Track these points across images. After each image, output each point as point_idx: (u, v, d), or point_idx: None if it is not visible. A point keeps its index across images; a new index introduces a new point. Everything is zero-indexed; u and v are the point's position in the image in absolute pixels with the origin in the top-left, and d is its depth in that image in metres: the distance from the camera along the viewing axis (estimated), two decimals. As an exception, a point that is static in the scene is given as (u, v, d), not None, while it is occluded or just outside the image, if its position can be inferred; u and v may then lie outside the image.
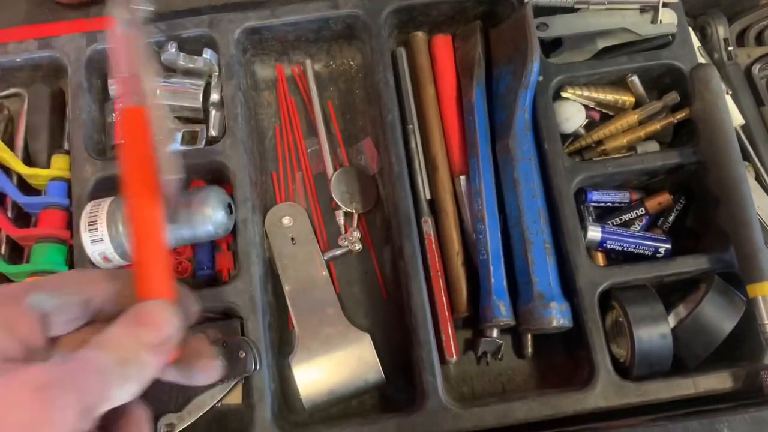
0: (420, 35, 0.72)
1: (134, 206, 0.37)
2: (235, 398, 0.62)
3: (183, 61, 0.68)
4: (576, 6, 0.68)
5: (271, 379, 0.60)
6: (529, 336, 0.65)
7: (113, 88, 0.70)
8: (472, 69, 0.69)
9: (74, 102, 0.67)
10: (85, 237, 0.60)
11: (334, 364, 0.62)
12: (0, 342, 0.32)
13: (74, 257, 0.63)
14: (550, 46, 0.71)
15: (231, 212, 0.63)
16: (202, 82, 0.70)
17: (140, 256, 0.36)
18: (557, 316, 0.60)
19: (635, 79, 0.69)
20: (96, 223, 0.61)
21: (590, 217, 0.68)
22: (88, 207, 0.62)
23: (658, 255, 0.65)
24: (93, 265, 0.62)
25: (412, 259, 0.63)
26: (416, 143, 0.69)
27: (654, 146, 0.69)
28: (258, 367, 0.58)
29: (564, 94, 0.69)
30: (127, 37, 0.37)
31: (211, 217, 0.61)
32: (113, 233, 0.60)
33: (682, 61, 0.68)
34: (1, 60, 0.69)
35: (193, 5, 0.75)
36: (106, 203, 0.62)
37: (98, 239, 0.60)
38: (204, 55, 0.68)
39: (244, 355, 0.57)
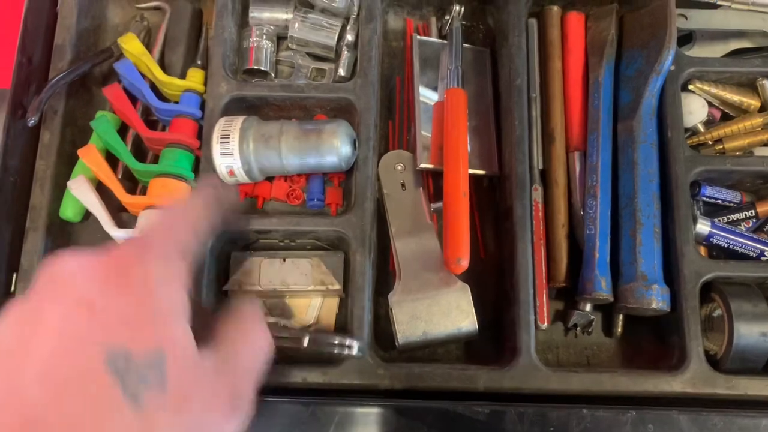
0: (555, 9, 0.73)
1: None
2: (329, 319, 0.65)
3: (326, -1, 0.70)
4: (718, 2, 0.69)
5: (369, 311, 0.63)
6: (621, 316, 0.66)
7: (253, 15, 0.72)
8: (604, 48, 0.70)
9: (218, 20, 0.69)
10: (216, 149, 0.63)
11: (430, 308, 0.63)
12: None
13: (200, 167, 0.65)
14: (681, 39, 0.72)
15: (355, 148, 0.65)
16: (339, 22, 0.72)
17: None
18: (657, 298, 0.61)
19: (766, 83, 0.69)
20: (228, 138, 0.63)
21: (699, 211, 0.68)
22: (222, 121, 0.64)
23: (762, 258, 0.66)
24: (217, 176, 0.64)
25: (522, 221, 0.64)
26: (537, 113, 0.70)
27: (772, 153, 0.69)
28: (362, 354, 0.60)
29: (691, 87, 0.70)
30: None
31: (338, 148, 0.63)
32: (243, 149, 0.63)
33: (817, 72, 0.68)
34: (151, -29, 0.71)
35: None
36: (239, 120, 0.64)
37: (228, 153, 0.63)
38: (348, -5, 0.70)
39: (347, 343, 0.59)
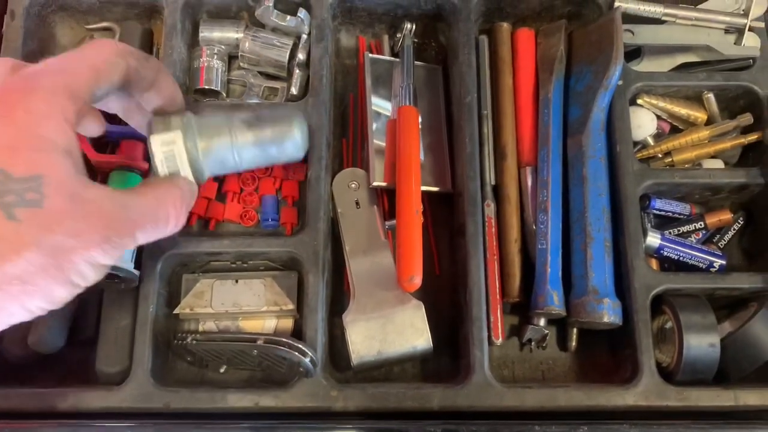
0: (505, 26, 0.74)
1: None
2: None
3: (275, 18, 0.70)
4: (663, 18, 0.70)
5: (323, 332, 0.62)
6: (575, 330, 0.67)
7: (203, 35, 0.72)
8: (553, 64, 0.70)
9: (167, 41, 0.69)
10: (153, 128, 0.52)
11: (385, 327, 0.63)
12: None
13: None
14: (630, 54, 0.73)
15: (308, 138, 0.59)
16: (290, 40, 0.71)
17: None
18: (609, 312, 0.62)
19: (711, 96, 0.70)
20: (168, 132, 0.51)
21: (650, 224, 0.69)
22: (156, 120, 0.53)
23: (711, 269, 0.67)
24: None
25: (474, 238, 0.64)
26: (488, 129, 0.71)
27: (719, 164, 0.70)
28: (313, 374, 0.60)
29: (639, 101, 0.71)
30: None
31: (296, 136, 0.56)
32: (189, 147, 0.52)
33: (761, 85, 0.69)
34: (101, -8, 0.71)
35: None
36: (177, 117, 0.53)
37: (165, 130, 0.52)
38: (298, 15, 0.69)
39: (299, 359, 0.59)
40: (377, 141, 0.70)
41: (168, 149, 0.51)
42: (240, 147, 0.54)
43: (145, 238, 0.46)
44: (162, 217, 0.48)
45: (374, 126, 0.70)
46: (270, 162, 0.58)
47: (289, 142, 0.56)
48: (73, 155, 0.42)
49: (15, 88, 0.42)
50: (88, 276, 0.41)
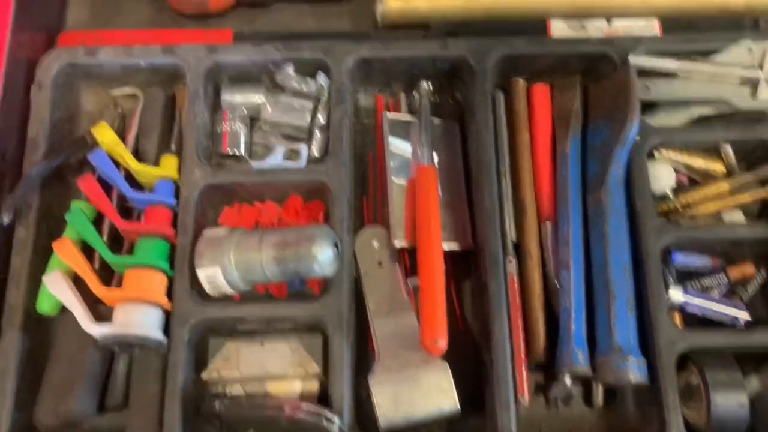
0: (521, 82, 0.75)
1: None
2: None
3: (296, 82, 0.71)
4: (678, 72, 0.71)
5: (350, 395, 0.63)
6: (601, 386, 0.67)
7: (225, 99, 0.73)
8: (569, 119, 0.71)
9: (190, 107, 0.70)
10: (198, 261, 0.64)
11: (411, 388, 0.63)
12: None
13: (176, 257, 0.66)
14: (645, 107, 0.73)
15: (338, 249, 0.65)
16: (310, 103, 0.73)
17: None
18: (634, 371, 0.62)
19: (729, 148, 0.70)
20: (211, 252, 0.64)
21: (672, 279, 0.69)
22: (204, 237, 0.66)
23: (735, 324, 0.67)
24: (199, 285, 0.65)
25: (497, 298, 0.65)
26: (507, 185, 0.71)
27: (740, 216, 0.70)
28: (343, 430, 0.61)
29: (657, 156, 0.71)
30: None
31: (318, 256, 0.63)
32: (225, 263, 0.64)
33: (778, 137, 0.70)
34: (125, 62, 0.73)
35: (307, 29, 0.79)
36: (220, 234, 0.66)
37: (208, 265, 0.64)
38: (318, 79, 0.71)
39: (327, 427, 0.59)
40: (398, 200, 0.70)
41: (211, 279, 0.64)
42: (268, 266, 0.64)
43: None
44: None
45: (394, 186, 0.71)
46: (301, 278, 0.66)
47: (315, 265, 0.63)
48: None
49: None
50: None
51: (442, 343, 0.61)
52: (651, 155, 0.71)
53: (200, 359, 0.66)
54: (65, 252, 0.64)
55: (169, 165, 0.70)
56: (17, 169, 0.69)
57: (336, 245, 0.64)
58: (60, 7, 0.81)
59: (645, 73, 0.71)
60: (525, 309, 0.67)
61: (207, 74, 0.72)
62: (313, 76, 0.73)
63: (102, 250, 0.65)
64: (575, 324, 0.65)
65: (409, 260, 0.71)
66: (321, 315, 0.64)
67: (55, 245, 0.65)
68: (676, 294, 0.66)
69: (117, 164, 0.69)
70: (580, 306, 0.65)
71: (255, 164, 0.74)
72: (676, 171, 0.72)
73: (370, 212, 0.74)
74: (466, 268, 0.72)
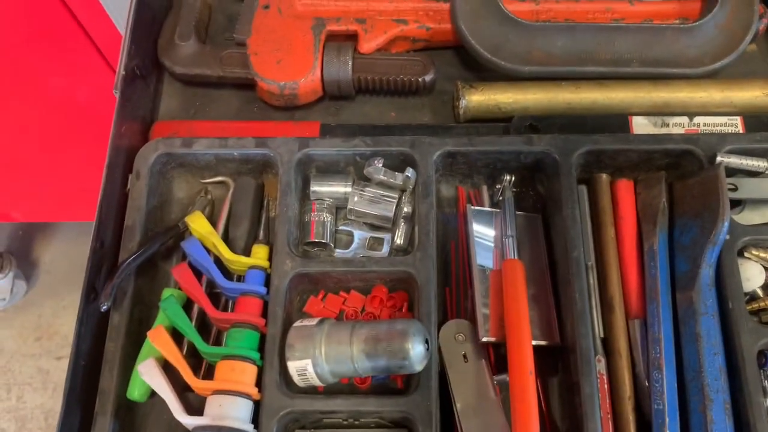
0: (605, 177, 0.75)
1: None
2: None
3: (384, 175, 0.73)
4: (766, 172, 0.71)
5: (439, 497, 0.62)
6: (697, 494, 0.64)
7: (314, 189, 0.75)
8: (656, 216, 0.71)
9: (282, 199, 0.72)
10: (289, 354, 0.65)
11: (502, 492, 0.62)
12: None
13: (266, 348, 0.66)
14: (731, 203, 0.73)
15: (428, 348, 0.64)
16: (395, 194, 0.74)
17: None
18: (735, 480, 0.60)
19: (820, 248, 0.70)
20: (301, 343, 0.65)
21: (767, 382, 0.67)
22: (294, 328, 0.67)
23: (839, 431, 0.64)
24: (288, 375, 0.66)
25: (590, 399, 0.64)
26: (593, 281, 0.71)
27: (834, 316, 0.69)
28: None
29: (747, 255, 0.70)
30: None
31: (410, 351, 0.63)
32: (315, 355, 0.64)
33: None
34: (220, 152, 0.75)
35: (389, 121, 0.82)
36: (311, 325, 0.66)
37: (301, 358, 0.64)
38: (406, 173, 0.73)
39: None
40: (482, 294, 0.71)
41: (301, 371, 0.65)
42: (358, 360, 0.64)
43: None
44: None
45: (479, 279, 0.71)
46: (391, 373, 0.66)
47: (407, 362, 0.63)
48: None
49: None
50: None
51: (536, 447, 0.60)
52: (740, 254, 0.71)
53: (285, 452, 0.66)
54: (160, 341, 0.65)
55: (259, 254, 0.71)
56: (114, 255, 0.71)
57: (426, 341, 0.64)
58: (154, 98, 0.85)
59: (731, 171, 0.71)
60: (615, 411, 0.66)
61: (298, 166, 0.74)
62: (397, 167, 0.74)
63: (195, 339, 0.66)
64: (670, 428, 0.63)
65: (494, 356, 0.71)
66: (409, 412, 0.64)
67: (150, 334, 0.66)
68: (775, 400, 0.64)
69: (209, 252, 0.71)
70: (674, 409, 0.64)
71: (338, 252, 0.75)
72: (766, 270, 0.71)
73: (453, 304, 0.74)
74: (551, 362, 0.71)
